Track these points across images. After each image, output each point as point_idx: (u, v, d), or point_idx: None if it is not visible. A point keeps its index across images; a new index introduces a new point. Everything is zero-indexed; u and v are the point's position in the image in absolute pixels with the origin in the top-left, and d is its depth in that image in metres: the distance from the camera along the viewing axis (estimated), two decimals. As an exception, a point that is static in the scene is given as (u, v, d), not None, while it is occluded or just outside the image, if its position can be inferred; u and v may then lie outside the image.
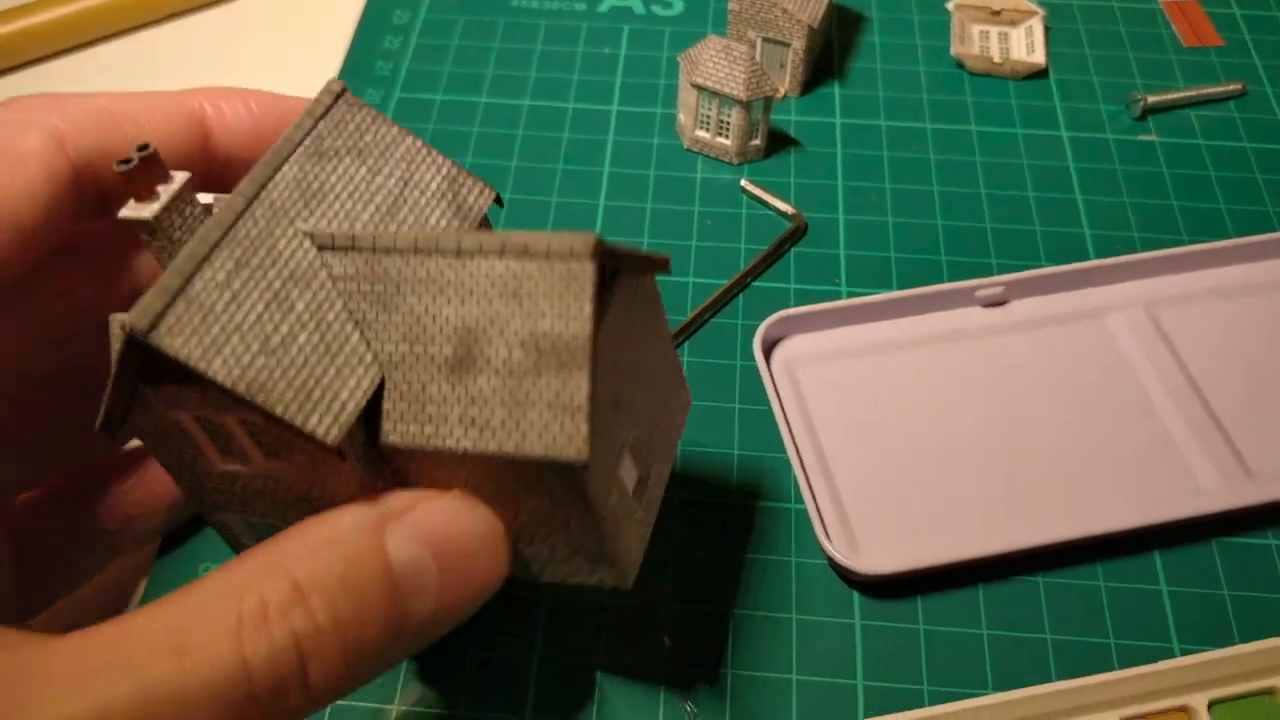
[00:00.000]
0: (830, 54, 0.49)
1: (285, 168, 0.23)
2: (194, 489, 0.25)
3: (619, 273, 0.23)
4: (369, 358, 0.21)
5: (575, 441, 0.20)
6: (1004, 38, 0.49)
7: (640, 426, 0.24)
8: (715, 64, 0.41)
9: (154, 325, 0.19)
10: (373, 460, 0.22)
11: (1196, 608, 0.33)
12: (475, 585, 0.22)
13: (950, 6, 0.49)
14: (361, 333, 0.22)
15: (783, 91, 0.47)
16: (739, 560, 0.34)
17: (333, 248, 0.22)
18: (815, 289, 0.40)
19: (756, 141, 0.44)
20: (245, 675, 0.18)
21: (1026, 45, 0.48)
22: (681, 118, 0.45)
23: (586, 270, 0.20)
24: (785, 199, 0.43)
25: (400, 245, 0.22)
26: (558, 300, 0.20)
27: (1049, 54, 0.49)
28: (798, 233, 0.42)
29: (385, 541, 0.21)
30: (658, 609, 0.33)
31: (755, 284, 0.40)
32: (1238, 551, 0.34)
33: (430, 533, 0.21)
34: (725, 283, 0.40)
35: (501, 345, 0.20)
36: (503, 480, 0.22)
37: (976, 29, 0.49)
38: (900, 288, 0.39)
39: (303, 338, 0.21)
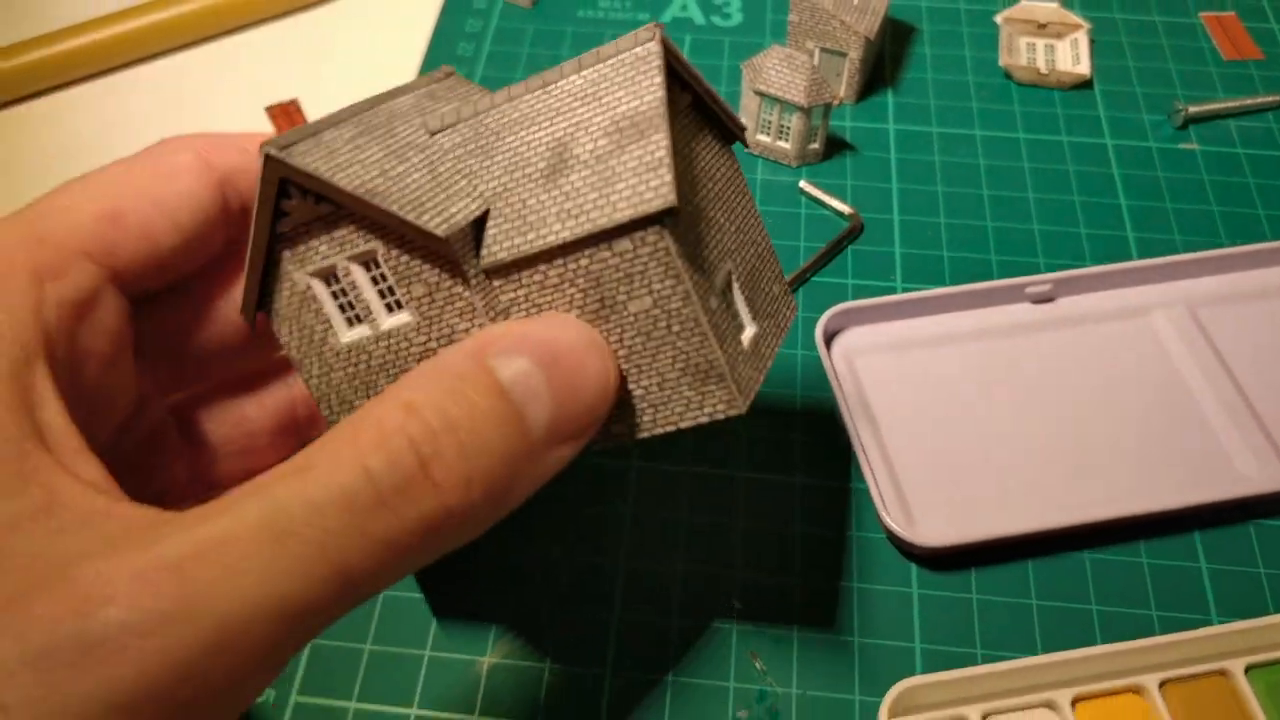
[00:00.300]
0: (884, 64, 0.51)
1: (403, 97, 0.26)
2: (322, 385, 0.26)
3: (697, 102, 0.24)
4: (476, 195, 0.23)
5: (661, 191, 0.21)
6: (1050, 50, 0.51)
7: (736, 265, 0.24)
8: (778, 72, 0.44)
9: (286, 148, 0.22)
10: (487, 292, 0.23)
11: (1233, 584, 0.35)
12: (588, 391, 0.22)
13: (999, 20, 0.52)
14: (469, 180, 0.24)
15: (840, 99, 0.49)
16: (803, 533, 0.36)
17: (441, 129, 0.25)
18: (872, 284, 0.43)
19: (815, 145, 0.46)
20: (368, 478, 0.19)
21: (1072, 57, 0.51)
22: (744, 123, 0.47)
23: (652, 50, 0.22)
24: (842, 199, 0.45)
25: (496, 102, 0.24)
26: (630, 84, 0.22)
27: (1094, 65, 0.51)
28: (855, 231, 0.44)
29: (488, 361, 0.21)
30: (727, 577, 0.35)
31: (814, 279, 0.43)
32: (1273, 533, 0.36)
33: (532, 345, 0.22)
34: (786, 277, 0.43)
35: (587, 140, 0.22)
36: (603, 286, 0.22)
37: (1024, 41, 0.51)
38: (952, 285, 0.42)
39: (415, 175, 0.23)
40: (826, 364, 0.39)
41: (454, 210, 0.23)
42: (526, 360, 0.21)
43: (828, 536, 0.36)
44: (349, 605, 0.19)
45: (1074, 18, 0.51)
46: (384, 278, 0.24)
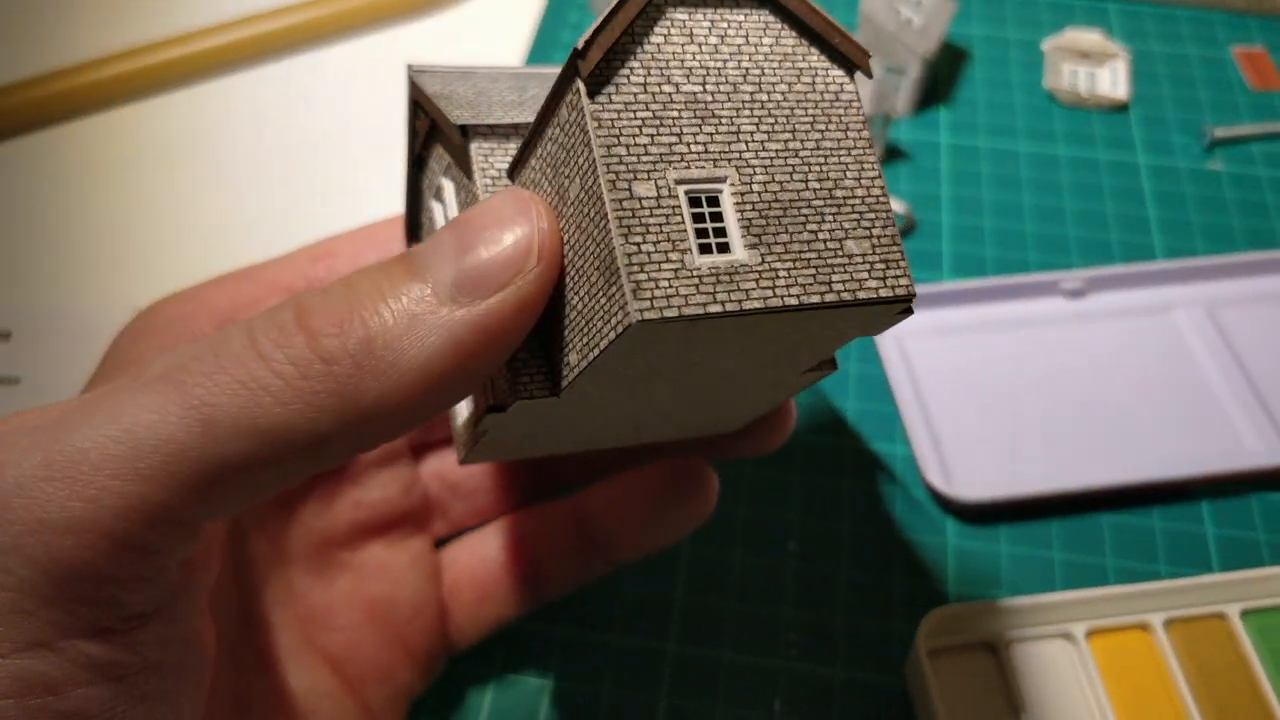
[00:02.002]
0: (939, 83, 0.56)
1: None
2: None
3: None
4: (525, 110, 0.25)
5: (579, 45, 0.19)
6: (1091, 75, 0.56)
7: (748, 180, 0.20)
8: (844, 85, 0.49)
9: (425, 72, 0.25)
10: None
11: (1235, 546, 0.39)
12: (496, 243, 0.20)
13: (1045, 47, 0.57)
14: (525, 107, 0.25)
15: (898, 111, 0.54)
16: (854, 488, 0.41)
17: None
18: (922, 276, 0.48)
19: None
20: (245, 328, 0.20)
21: (1111, 82, 0.55)
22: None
23: None
24: (898, 200, 0.50)
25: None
26: None
27: (1131, 90, 0.56)
28: (908, 230, 0.49)
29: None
30: (785, 523, 0.40)
31: (869, 270, 0.48)
32: (1273, 503, 0.40)
33: (453, 219, 0.21)
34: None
35: None
36: (558, 172, 0.21)
37: (1067, 67, 0.56)
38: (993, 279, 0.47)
39: (496, 99, 0.25)
40: (879, 343, 0.44)
41: (494, 115, 0.24)
42: (442, 229, 0.21)
43: (874, 491, 0.41)
44: (226, 454, 0.19)
45: (1115, 47, 0.56)
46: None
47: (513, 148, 0.24)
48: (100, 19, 0.60)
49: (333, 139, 0.55)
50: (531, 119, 0.23)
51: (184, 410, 0.18)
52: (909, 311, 0.21)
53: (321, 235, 0.31)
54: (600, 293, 0.19)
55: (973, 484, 0.40)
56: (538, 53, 0.58)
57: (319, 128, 0.56)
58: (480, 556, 0.32)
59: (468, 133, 0.23)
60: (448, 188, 0.25)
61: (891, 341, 0.45)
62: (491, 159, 0.23)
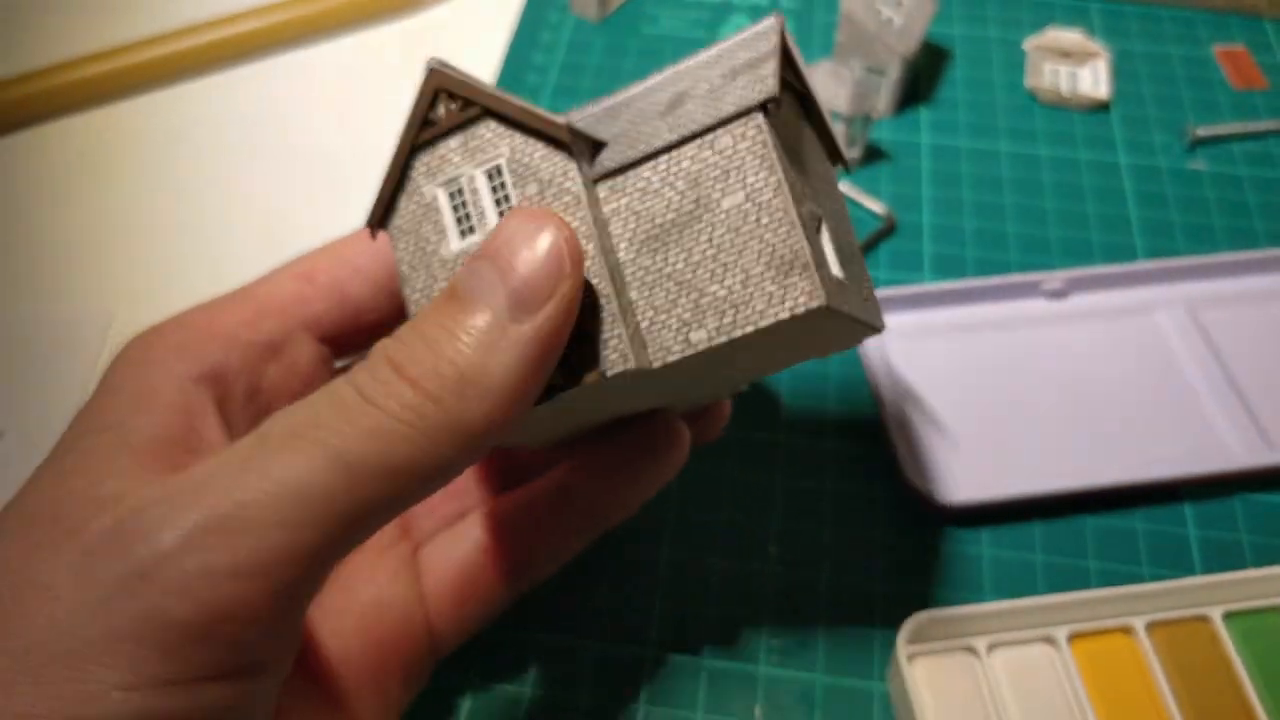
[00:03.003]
0: (919, 82, 0.56)
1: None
2: (423, 300, 0.27)
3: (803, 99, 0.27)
4: (600, 134, 0.26)
5: (766, 84, 0.23)
6: (1072, 74, 0.56)
7: (828, 218, 0.25)
8: (824, 84, 0.49)
9: (447, 66, 0.25)
10: (593, 205, 0.25)
11: (1218, 548, 0.39)
12: (534, 258, 0.23)
13: (1026, 46, 0.57)
14: (597, 129, 0.26)
15: (879, 111, 0.54)
16: (836, 491, 0.41)
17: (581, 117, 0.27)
18: (903, 277, 0.47)
19: (855, 153, 0.51)
20: (354, 387, 0.22)
21: (1092, 82, 0.55)
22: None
23: (772, 25, 0.25)
24: (878, 201, 0.50)
25: (624, 86, 0.27)
26: (748, 47, 0.25)
27: (1112, 90, 0.55)
28: (888, 230, 0.49)
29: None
30: (765, 527, 0.40)
31: (850, 271, 0.48)
32: (1254, 505, 0.40)
33: (480, 249, 0.23)
34: (825, 269, 0.47)
35: (704, 83, 0.25)
36: (700, 185, 0.24)
37: (1048, 66, 0.56)
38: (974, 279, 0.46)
39: None
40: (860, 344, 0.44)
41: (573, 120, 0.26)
42: (474, 261, 0.23)
43: (856, 493, 0.41)
44: (367, 495, 0.21)
45: (1096, 46, 0.56)
46: (503, 186, 0.26)
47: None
48: (71, 21, 0.60)
49: (312, 138, 0.54)
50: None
51: (328, 462, 0.21)
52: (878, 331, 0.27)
53: (300, 233, 0.32)
54: (765, 281, 0.23)
55: (954, 486, 0.40)
56: (515, 52, 0.58)
57: (299, 127, 0.55)
58: (460, 549, 0.32)
59: (591, 166, 0.25)
60: (480, 183, 0.26)
61: (872, 343, 0.44)
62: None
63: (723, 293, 0.24)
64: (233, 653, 0.21)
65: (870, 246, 0.48)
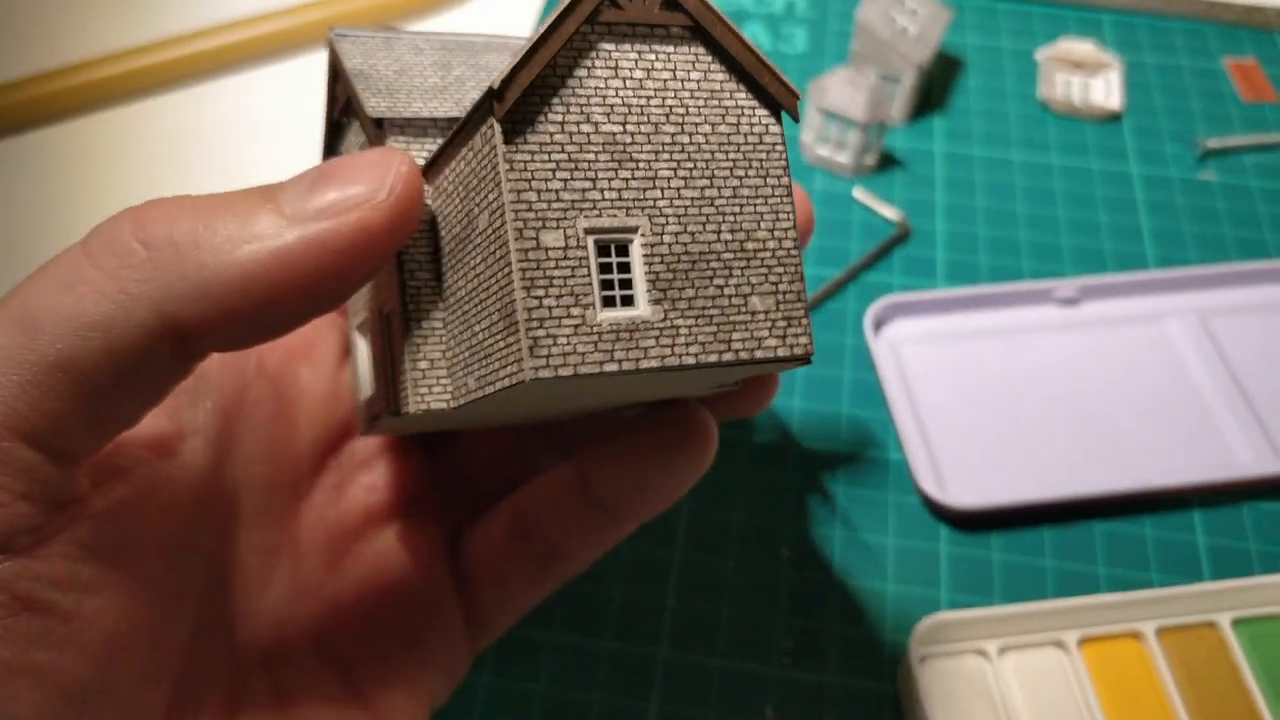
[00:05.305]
0: (933, 91, 0.56)
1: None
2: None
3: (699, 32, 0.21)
4: (444, 99, 0.25)
5: (498, 79, 0.19)
6: (1085, 85, 0.56)
7: (661, 232, 0.20)
8: (841, 92, 0.49)
9: (348, 37, 0.25)
10: None
11: (1226, 555, 0.40)
12: (348, 176, 0.21)
13: (1039, 57, 0.57)
14: (447, 93, 0.25)
15: (893, 119, 0.54)
16: (848, 495, 0.41)
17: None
18: (916, 283, 0.48)
19: (869, 160, 0.51)
20: None
21: (1104, 93, 0.56)
22: (805, 137, 0.53)
23: None
24: (892, 207, 0.50)
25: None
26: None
27: (1124, 101, 0.56)
28: (902, 236, 0.49)
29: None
30: (779, 529, 0.40)
31: (865, 277, 0.48)
32: (1263, 513, 0.41)
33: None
34: (839, 274, 0.48)
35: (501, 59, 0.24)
36: (469, 195, 0.21)
37: (1060, 77, 0.56)
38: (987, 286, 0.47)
39: (420, 80, 0.25)
40: (874, 349, 0.44)
41: (413, 107, 0.24)
42: (310, 168, 0.22)
43: (868, 497, 0.41)
44: (48, 351, 0.19)
45: (1108, 57, 0.56)
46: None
47: (429, 144, 0.24)
48: (75, 25, 0.60)
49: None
50: (453, 110, 0.23)
51: (6, 316, 0.19)
52: (808, 361, 0.21)
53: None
54: (500, 334, 0.19)
55: (966, 491, 0.40)
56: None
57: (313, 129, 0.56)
58: (491, 541, 0.31)
59: (384, 125, 0.23)
60: None
61: (886, 348, 0.45)
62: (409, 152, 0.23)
63: (481, 335, 0.21)
64: None
65: (884, 253, 0.49)
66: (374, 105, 0.23)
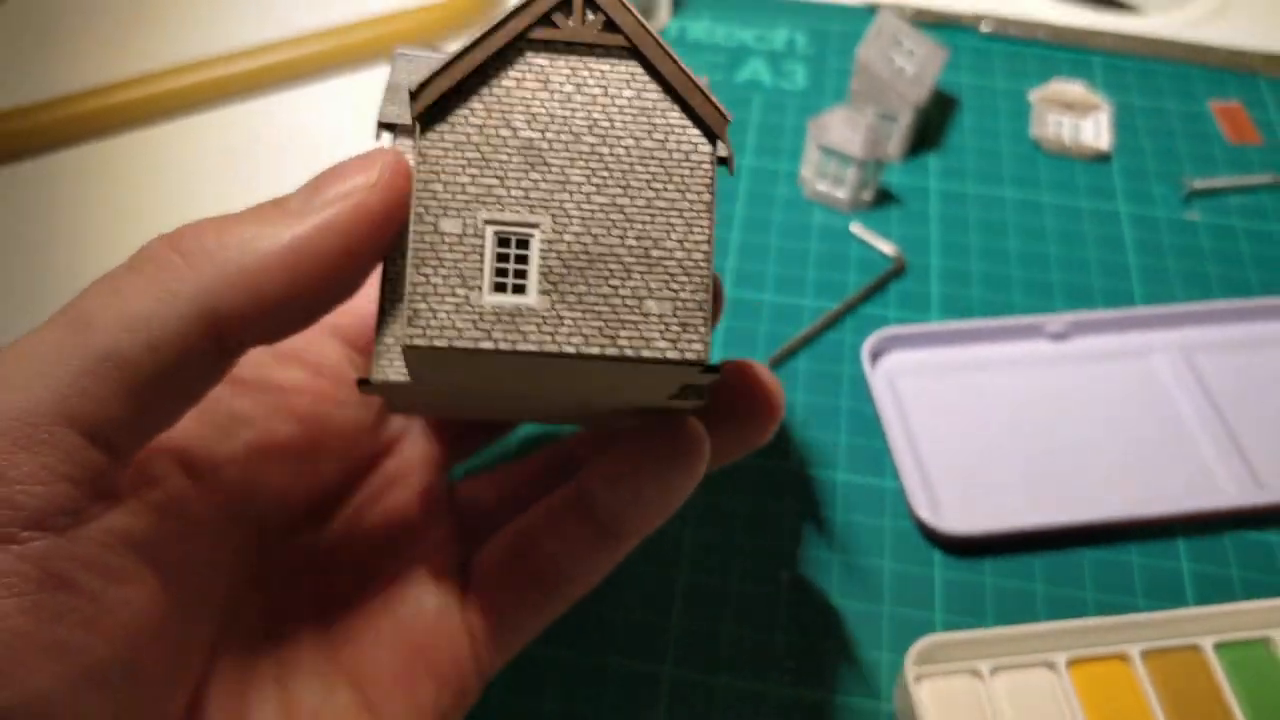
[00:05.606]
0: (929, 129, 0.58)
1: None
2: None
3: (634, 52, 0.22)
4: None
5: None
6: (1075, 126, 0.58)
7: (565, 231, 0.21)
8: (839, 129, 0.51)
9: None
10: None
11: (1210, 583, 0.41)
12: (336, 177, 0.23)
13: (1031, 97, 0.59)
14: None
15: (890, 156, 0.56)
16: (846, 520, 0.42)
17: None
18: (911, 316, 0.49)
19: (866, 195, 0.53)
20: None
21: (1094, 133, 0.58)
22: (805, 172, 0.54)
23: None
24: (888, 242, 0.52)
25: None
26: None
27: (1113, 141, 0.58)
28: (898, 271, 0.51)
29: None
30: (779, 552, 0.41)
31: (861, 310, 0.50)
32: (1246, 543, 0.42)
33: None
34: (837, 306, 0.49)
35: None
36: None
37: (1052, 117, 0.58)
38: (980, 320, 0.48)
39: None
40: (871, 380, 0.46)
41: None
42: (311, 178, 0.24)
43: (865, 522, 0.42)
44: (99, 345, 0.21)
45: (1098, 99, 0.58)
46: None
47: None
48: (84, 52, 0.62)
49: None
50: None
51: (63, 320, 0.21)
52: (715, 372, 0.22)
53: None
54: (401, 307, 0.22)
55: (960, 518, 0.42)
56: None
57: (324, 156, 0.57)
58: (495, 562, 0.32)
59: (394, 129, 0.25)
60: None
61: (882, 379, 0.46)
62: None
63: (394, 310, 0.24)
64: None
65: (880, 286, 0.50)
66: (385, 112, 0.25)
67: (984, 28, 0.64)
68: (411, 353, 0.21)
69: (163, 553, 0.24)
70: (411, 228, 0.21)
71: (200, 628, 0.26)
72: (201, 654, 0.26)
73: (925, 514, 0.41)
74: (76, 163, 0.56)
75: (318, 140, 0.57)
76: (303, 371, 0.31)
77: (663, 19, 0.63)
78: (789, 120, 0.59)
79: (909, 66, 0.55)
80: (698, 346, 0.21)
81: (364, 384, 0.24)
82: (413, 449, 0.34)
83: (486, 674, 0.32)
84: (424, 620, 0.31)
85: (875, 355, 0.47)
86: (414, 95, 0.21)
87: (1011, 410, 0.46)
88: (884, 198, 0.55)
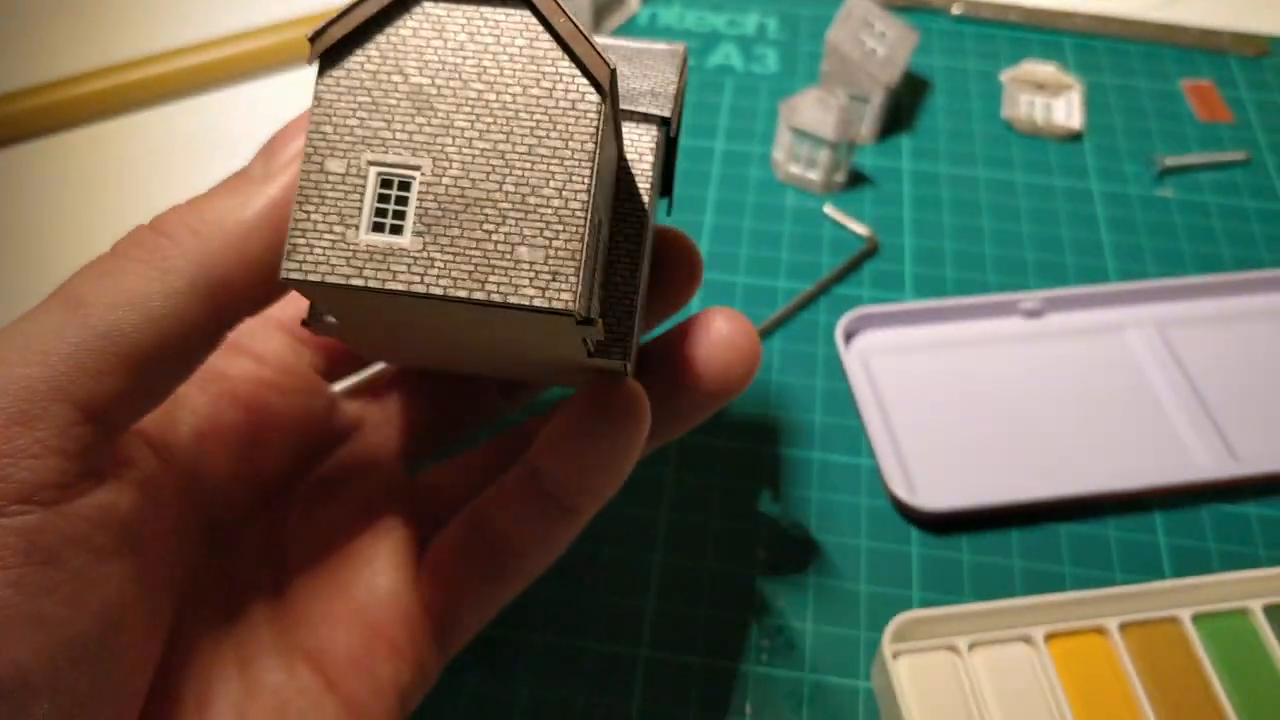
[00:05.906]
0: (901, 111, 0.58)
1: None
2: None
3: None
4: None
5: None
6: (1047, 105, 0.58)
7: (444, 174, 0.21)
8: (811, 111, 0.51)
9: None
10: None
11: (1187, 555, 0.41)
12: (284, 139, 0.25)
13: (1003, 78, 0.59)
14: None
15: (862, 138, 0.56)
16: (821, 499, 0.42)
17: None
18: (885, 296, 0.49)
19: (839, 177, 0.53)
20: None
21: (1066, 113, 0.58)
22: (777, 155, 0.54)
23: None
24: (861, 223, 0.52)
25: None
26: None
27: (1085, 121, 0.58)
28: (871, 251, 0.51)
29: None
30: (754, 532, 0.41)
31: (835, 291, 0.49)
32: (1222, 515, 0.42)
33: None
34: (810, 287, 0.49)
35: None
36: None
37: (1023, 97, 0.58)
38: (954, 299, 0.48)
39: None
40: (845, 359, 0.46)
41: None
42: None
43: (840, 502, 0.42)
44: (97, 323, 0.22)
45: (1069, 79, 0.58)
46: None
47: None
48: (70, 37, 0.61)
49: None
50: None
51: (59, 302, 0.22)
52: (591, 323, 0.22)
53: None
54: None
55: (935, 495, 0.41)
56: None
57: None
58: (450, 540, 0.32)
59: None
60: None
61: (856, 358, 0.46)
62: None
63: None
64: None
65: (854, 267, 0.50)
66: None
67: (955, 10, 0.64)
68: (291, 286, 0.21)
69: (140, 534, 0.24)
70: (299, 166, 0.21)
71: (165, 608, 0.26)
72: (164, 634, 0.26)
73: (901, 492, 0.41)
74: (40, 155, 0.55)
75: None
76: (246, 360, 0.31)
77: (633, 5, 0.63)
78: (761, 104, 0.59)
79: (880, 48, 0.54)
80: (566, 296, 0.21)
81: (308, 322, 0.25)
82: (371, 436, 0.34)
83: (449, 652, 0.32)
84: (379, 601, 0.31)
85: (849, 335, 0.47)
86: (312, 40, 0.21)
87: (986, 387, 0.45)
88: (857, 179, 0.54)
